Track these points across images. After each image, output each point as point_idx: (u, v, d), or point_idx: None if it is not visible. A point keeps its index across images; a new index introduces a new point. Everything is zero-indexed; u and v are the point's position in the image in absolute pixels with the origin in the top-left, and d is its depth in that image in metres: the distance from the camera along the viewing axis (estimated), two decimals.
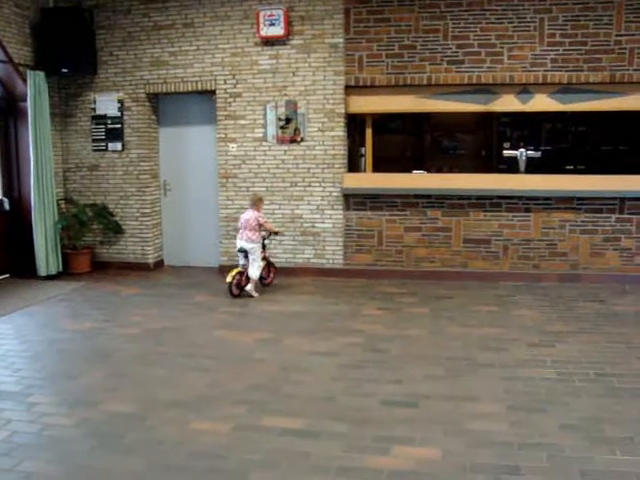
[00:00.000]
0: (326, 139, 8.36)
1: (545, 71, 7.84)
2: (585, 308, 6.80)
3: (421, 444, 3.76)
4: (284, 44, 8.33)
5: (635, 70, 7.66)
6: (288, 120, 8.42)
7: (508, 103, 8.11)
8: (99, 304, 7.24)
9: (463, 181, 8.23)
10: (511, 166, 8.97)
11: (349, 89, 8.31)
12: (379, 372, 4.98)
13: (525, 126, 10.11)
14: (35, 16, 8.42)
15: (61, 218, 8.75)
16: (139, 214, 9.06)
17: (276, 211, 8.56)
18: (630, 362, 5.11)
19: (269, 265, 7.83)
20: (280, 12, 8.15)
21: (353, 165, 8.80)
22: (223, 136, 8.65)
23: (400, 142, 10.65)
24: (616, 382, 4.67)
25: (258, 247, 7.47)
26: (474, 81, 8.00)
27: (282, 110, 8.43)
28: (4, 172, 8.74)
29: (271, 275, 7.88)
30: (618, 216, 7.91)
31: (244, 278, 7.46)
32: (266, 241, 7.75)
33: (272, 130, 8.49)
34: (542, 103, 8.03)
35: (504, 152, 9.48)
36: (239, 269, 7.48)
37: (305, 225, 8.47)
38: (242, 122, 8.56)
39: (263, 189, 8.54)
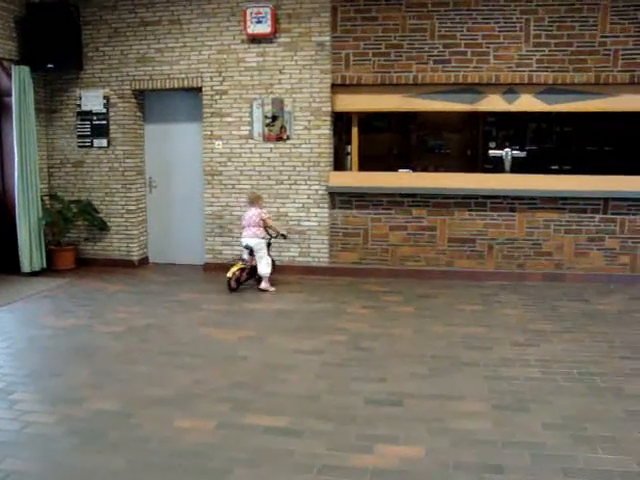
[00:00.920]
0: (312, 137, 8.36)
1: (531, 71, 7.87)
2: (569, 307, 6.84)
3: (405, 443, 3.76)
4: (271, 42, 8.31)
5: (619, 71, 7.71)
6: (274, 118, 8.41)
7: (494, 103, 8.14)
8: (83, 301, 7.20)
9: (449, 180, 8.25)
10: (496, 166, 9.00)
11: (335, 87, 8.31)
12: (363, 370, 4.98)
13: (511, 126, 10.15)
14: (20, 11, 8.34)
15: (45, 214, 8.68)
16: (124, 211, 9.02)
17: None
18: (613, 361, 5.15)
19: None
20: (267, 10, 8.13)
21: (339, 163, 8.80)
22: (209, 133, 8.63)
23: (386, 141, 10.65)
24: (599, 381, 4.70)
25: (264, 243, 7.54)
26: (460, 81, 8.02)
27: (268, 108, 8.41)
28: None
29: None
30: (602, 216, 7.96)
31: (244, 274, 7.50)
32: (272, 240, 7.77)
33: (258, 128, 8.47)
34: (528, 103, 8.07)
35: (489, 152, 9.50)
36: (240, 265, 7.50)
37: (291, 223, 8.46)
38: (228, 119, 8.54)
39: (249, 187, 8.53)
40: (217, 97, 8.54)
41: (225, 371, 5.00)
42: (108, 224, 9.04)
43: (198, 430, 3.93)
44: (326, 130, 8.33)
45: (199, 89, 8.62)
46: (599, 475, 3.35)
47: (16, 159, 8.22)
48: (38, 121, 8.72)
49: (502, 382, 4.70)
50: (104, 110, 8.88)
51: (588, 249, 8.04)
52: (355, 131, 8.59)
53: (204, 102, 8.60)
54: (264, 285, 7.55)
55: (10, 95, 8.16)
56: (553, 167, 9.45)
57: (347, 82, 8.26)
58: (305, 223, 8.48)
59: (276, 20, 8.20)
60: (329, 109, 8.31)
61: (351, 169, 8.69)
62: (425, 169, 9.84)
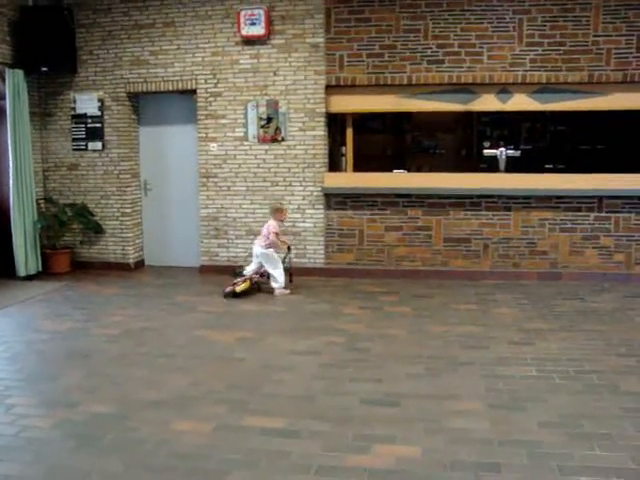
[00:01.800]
0: (307, 138, 8.36)
1: (524, 71, 7.89)
2: (564, 306, 6.86)
3: (402, 442, 3.77)
4: (265, 44, 8.32)
5: (612, 70, 7.73)
6: (269, 119, 8.41)
7: (488, 103, 8.16)
8: (79, 304, 7.19)
9: (443, 180, 8.26)
10: (491, 165, 9.01)
11: (330, 89, 8.32)
12: (360, 371, 4.99)
13: (505, 125, 10.19)
14: (14, 14, 8.32)
15: (40, 218, 8.68)
16: (119, 214, 9.01)
17: (257, 211, 8.55)
18: (609, 359, 5.17)
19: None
20: (261, 12, 8.14)
21: (334, 164, 8.80)
22: (204, 135, 8.63)
23: (380, 141, 10.66)
24: (595, 379, 4.72)
25: (269, 255, 7.50)
26: (454, 81, 8.04)
27: (263, 109, 8.42)
28: None
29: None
30: (597, 215, 7.99)
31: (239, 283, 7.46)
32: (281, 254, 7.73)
33: (253, 129, 8.48)
34: (521, 103, 8.08)
35: (484, 151, 9.52)
36: (248, 285, 7.50)
37: (286, 224, 8.45)
38: (223, 121, 8.55)
39: (244, 188, 8.54)
40: (212, 99, 8.55)
41: (222, 373, 5.01)
42: (103, 227, 9.03)
43: (195, 432, 3.93)
44: (321, 131, 8.34)
45: (193, 91, 8.62)
46: (595, 472, 3.36)
47: (11, 163, 8.21)
48: (32, 124, 8.71)
49: (498, 381, 4.72)
50: (99, 113, 8.87)
51: (583, 247, 8.06)
52: (350, 132, 8.60)
53: (199, 104, 8.60)
54: (277, 292, 7.53)
55: (4, 99, 8.15)
56: (547, 166, 9.47)
57: (341, 83, 8.26)
58: (300, 224, 8.48)
59: (270, 22, 8.21)
60: (323, 110, 8.32)
61: (346, 170, 8.70)
62: (420, 169, 9.87)
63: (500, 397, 4.42)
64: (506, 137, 10.02)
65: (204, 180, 8.69)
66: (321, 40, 8.18)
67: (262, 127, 8.45)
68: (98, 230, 9.00)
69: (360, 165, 8.72)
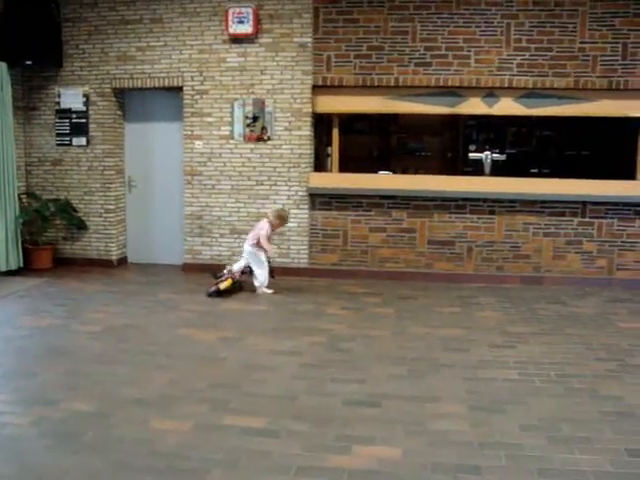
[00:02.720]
0: (293, 138, 8.35)
1: (511, 75, 7.93)
2: (547, 310, 6.90)
3: (382, 444, 3.76)
4: (252, 42, 8.29)
5: (598, 77, 7.79)
6: (255, 118, 8.39)
7: (474, 106, 8.19)
8: (60, 301, 7.13)
9: (428, 182, 8.28)
10: (476, 169, 9.07)
11: (317, 89, 8.31)
12: (342, 372, 4.98)
13: (491, 129, 10.22)
14: None
15: (22, 213, 8.60)
16: (103, 210, 8.95)
17: (241, 209, 8.52)
18: (589, 363, 5.20)
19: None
20: (249, 10, 8.12)
21: (319, 165, 8.81)
22: (189, 133, 8.59)
23: (367, 143, 10.67)
24: (575, 382, 4.74)
25: (256, 254, 7.44)
26: (441, 83, 8.06)
27: (249, 108, 8.39)
28: None
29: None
30: (580, 220, 8.04)
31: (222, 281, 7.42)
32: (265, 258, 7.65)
33: (239, 128, 8.45)
34: (508, 107, 8.12)
35: (470, 154, 9.58)
36: (230, 283, 7.42)
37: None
38: (209, 119, 8.51)
39: (229, 187, 8.51)
40: (198, 97, 8.51)
41: (203, 372, 4.98)
42: (87, 223, 8.96)
43: (175, 431, 3.91)
44: (307, 131, 8.33)
45: (180, 88, 8.58)
46: (574, 475, 3.37)
47: None
48: (16, 118, 8.63)
49: (479, 384, 4.73)
50: (84, 108, 8.80)
51: (566, 252, 8.10)
52: (336, 132, 8.59)
53: (185, 102, 8.56)
54: (259, 291, 7.51)
55: None
56: (532, 170, 9.53)
57: (328, 83, 8.26)
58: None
59: (258, 20, 8.19)
60: (310, 110, 8.31)
61: (331, 170, 8.69)
62: (405, 171, 9.90)
63: (481, 400, 4.43)
64: (492, 141, 10.07)
65: (189, 178, 8.65)
66: (309, 40, 8.17)
67: (248, 126, 8.42)
68: (81, 226, 8.93)
69: (346, 166, 8.71)
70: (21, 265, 8.53)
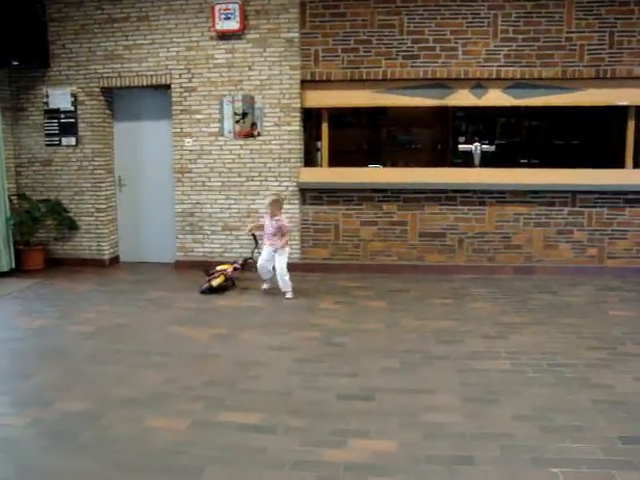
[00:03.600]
0: (282, 133, 8.35)
1: (499, 66, 7.95)
2: (538, 300, 6.93)
3: (377, 437, 3.78)
4: (240, 38, 8.28)
5: (585, 66, 7.82)
6: (244, 114, 8.39)
7: (463, 98, 8.21)
8: (53, 301, 7.12)
9: (419, 175, 8.30)
10: (466, 160, 9.08)
11: (305, 84, 8.31)
12: (336, 366, 4.99)
13: (480, 120, 10.26)
14: None
15: (13, 214, 8.58)
16: (94, 210, 8.93)
17: (232, 206, 8.53)
18: (581, 352, 5.23)
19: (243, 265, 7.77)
20: (236, 6, 8.10)
21: (309, 159, 8.81)
22: (179, 131, 8.58)
23: (356, 136, 10.68)
24: (567, 372, 4.77)
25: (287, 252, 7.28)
26: (429, 76, 8.07)
27: (238, 104, 8.38)
28: None
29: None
30: (570, 209, 8.07)
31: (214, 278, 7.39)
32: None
33: (229, 125, 8.44)
34: (496, 98, 8.14)
35: (459, 146, 9.59)
36: (223, 279, 7.42)
37: (261, 220, 8.43)
38: (198, 117, 8.50)
39: (219, 184, 8.51)
40: (186, 94, 8.50)
41: (197, 369, 4.99)
42: (78, 223, 8.95)
43: (170, 429, 3.92)
44: (296, 126, 8.33)
45: (168, 86, 8.56)
46: (567, 464, 3.40)
47: None
48: (4, 119, 8.61)
49: (472, 375, 4.75)
50: (72, 108, 8.77)
51: (557, 242, 8.14)
52: (325, 127, 8.59)
53: (173, 99, 8.55)
54: (289, 295, 7.25)
55: None
56: (522, 161, 9.56)
57: (316, 78, 8.26)
58: None
59: (245, 16, 8.18)
60: (299, 105, 8.31)
61: (321, 165, 8.70)
62: (395, 164, 9.92)
63: (474, 391, 4.45)
64: (481, 132, 10.10)
65: (179, 175, 8.64)
66: (296, 35, 8.17)
67: (237, 122, 8.42)
68: (72, 226, 8.91)
69: (336, 160, 8.72)
70: (13, 266, 8.51)
